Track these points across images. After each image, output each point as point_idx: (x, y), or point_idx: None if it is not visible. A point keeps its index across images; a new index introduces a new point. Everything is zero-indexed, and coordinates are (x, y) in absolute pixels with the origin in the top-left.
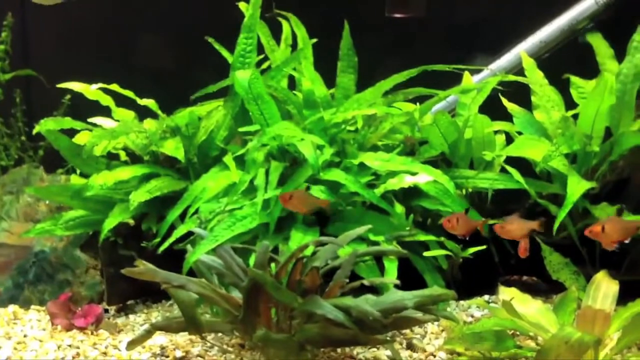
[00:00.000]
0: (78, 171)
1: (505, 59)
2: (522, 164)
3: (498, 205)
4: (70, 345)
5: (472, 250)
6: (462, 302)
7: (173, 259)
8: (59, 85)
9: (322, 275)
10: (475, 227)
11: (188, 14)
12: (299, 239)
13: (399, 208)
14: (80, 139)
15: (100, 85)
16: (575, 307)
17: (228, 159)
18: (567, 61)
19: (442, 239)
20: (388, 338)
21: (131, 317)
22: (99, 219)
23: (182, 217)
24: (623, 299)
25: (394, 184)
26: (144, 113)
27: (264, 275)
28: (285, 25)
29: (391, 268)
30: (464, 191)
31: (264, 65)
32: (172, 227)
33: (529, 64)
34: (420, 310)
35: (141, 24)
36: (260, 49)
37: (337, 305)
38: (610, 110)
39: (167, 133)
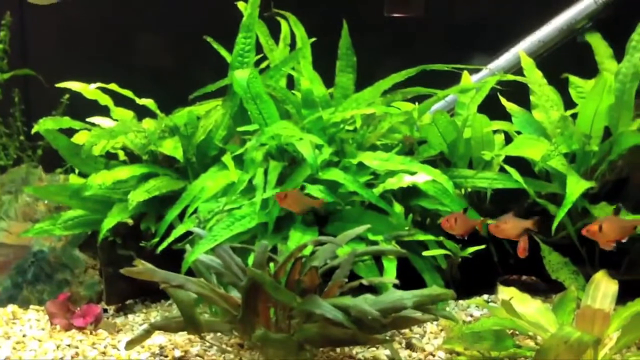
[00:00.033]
0: (77, 171)
1: (504, 59)
2: (521, 164)
3: (497, 204)
4: (69, 345)
5: (471, 249)
6: (461, 301)
7: (172, 259)
8: (57, 85)
9: (321, 275)
10: (474, 227)
11: (187, 13)
12: (297, 238)
13: (398, 207)
14: (79, 138)
15: (99, 84)
16: (575, 307)
17: (227, 158)
18: (566, 61)
19: (441, 238)
20: (387, 337)
21: (130, 316)
22: (98, 218)
23: (181, 216)
24: (622, 298)
25: (392, 183)
26: (142, 112)
27: (263, 275)
28: (283, 25)
29: (390, 268)
30: (462, 191)
31: (263, 65)
32: (171, 227)
33: (528, 64)
34: (420, 309)
35: (140, 24)
36: (259, 48)
37: (336, 304)
38: (609, 110)
39: (165, 133)
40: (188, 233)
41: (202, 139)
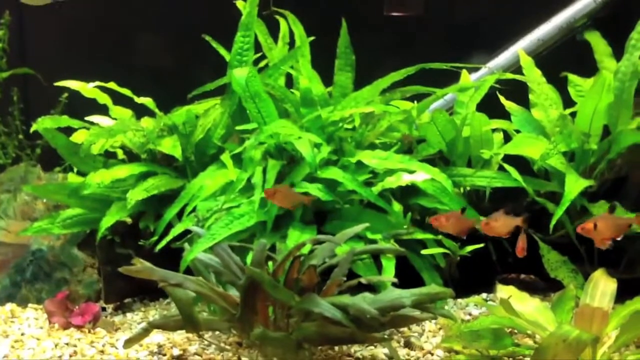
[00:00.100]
0: (75, 169)
1: (503, 57)
2: (520, 162)
3: (496, 203)
4: (67, 344)
5: (469, 248)
6: (459, 300)
7: (170, 258)
8: (56, 84)
9: (320, 274)
10: (470, 226)
11: (185, 12)
12: (296, 237)
13: (397, 206)
14: (77, 137)
15: (98, 83)
16: (573, 305)
17: (225, 157)
18: (565, 59)
19: (440, 237)
20: (385, 336)
21: (128, 315)
22: (97, 217)
23: (180, 215)
24: (621, 297)
25: (391, 182)
26: (141, 111)
27: (262, 274)
28: (282, 24)
29: (389, 266)
30: (461, 189)
31: (262, 64)
32: (170, 226)
33: (527, 62)
34: (418, 308)
35: (139, 23)
36: (257, 47)
37: (334, 303)
38: (608, 109)
39: (164, 131)
40: (187, 232)
41: (200, 138)
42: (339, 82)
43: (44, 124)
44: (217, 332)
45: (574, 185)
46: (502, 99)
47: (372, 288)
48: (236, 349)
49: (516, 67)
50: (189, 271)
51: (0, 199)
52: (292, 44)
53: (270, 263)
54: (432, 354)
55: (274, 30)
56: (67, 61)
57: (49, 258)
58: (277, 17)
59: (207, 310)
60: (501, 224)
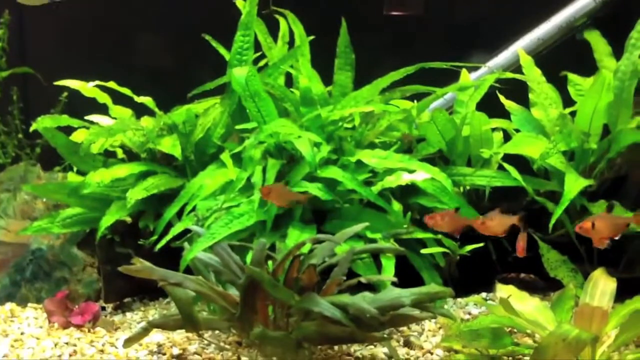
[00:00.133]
0: (75, 169)
1: (503, 57)
2: (520, 162)
3: (496, 202)
4: (67, 343)
5: (469, 247)
6: (459, 299)
7: (170, 257)
8: (56, 83)
9: (319, 273)
10: (464, 225)
11: (185, 11)
12: (296, 236)
13: (397, 205)
14: (77, 136)
15: (98, 82)
16: (573, 305)
17: (225, 156)
18: (564, 58)
19: (440, 236)
20: (385, 335)
21: (128, 314)
22: (96, 216)
23: (179, 214)
24: (621, 296)
25: (391, 181)
26: (141, 111)
27: (261, 273)
28: (282, 23)
29: (388, 265)
30: (461, 188)
31: (261, 63)
32: (169, 225)
33: (527, 62)
34: (418, 307)
35: (138, 22)
36: (257, 46)
37: (334, 302)
38: (608, 108)
39: (164, 131)
40: (186, 231)
41: (200, 137)
42: (339, 82)
43: (43, 123)
44: (216, 332)
45: (574, 184)
46: (501, 98)
47: (372, 287)
48: (236, 348)
49: (516, 67)
50: (188, 270)
51: (0, 198)
52: (291, 43)
53: (270, 262)
54: (431, 353)
55: (273, 30)
56: (67, 60)
57: (48, 257)
58: (277, 16)
59: (207, 309)
60: (497, 223)
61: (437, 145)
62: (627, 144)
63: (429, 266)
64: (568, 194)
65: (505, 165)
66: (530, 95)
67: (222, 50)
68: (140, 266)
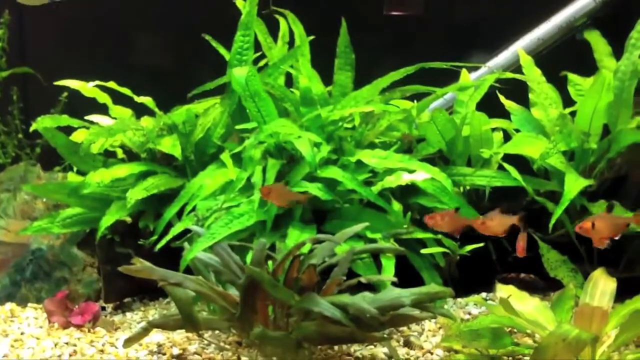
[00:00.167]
0: (75, 169)
1: (503, 57)
2: (520, 162)
3: (496, 202)
4: (67, 343)
5: (469, 247)
6: (459, 299)
7: (170, 257)
8: (56, 83)
9: (319, 273)
10: (464, 225)
11: (185, 11)
12: (296, 236)
13: (397, 205)
14: (77, 136)
15: (98, 82)
16: (573, 305)
17: (225, 156)
18: (564, 58)
19: (440, 236)
20: (385, 335)
21: (128, 314)
22: (96, 216)
23: (179, 214)
24: (621, 296)
25: (391, 181)
26: (141, 111)
27: (261, 273)
28: (282, 23)
29: (388, 265)
30: (461, 188)
31: (261, 63)
32: (169, 225)
33: (527, 62)
34: (418, 307)
35: (138, 22)
36: (257, 46)
37: (334, 302)
38: (608, 108)
39: (164, 131)
40: (186, 231)
41: (200, 137)
42: (339, 82)
43: (43, 123)
44: (216, 332)
45: (574, 184)
46: (501, 98)
47: (372, 287)
48: (236, 348)
49: (516, 66)
50: (188, 270)
51: (0, 198)
52: (291, 43)
53: (270, 262)
54: (431, 353)
55: (273, 30)
56: (67, 60)
57: (48, 257)
58: (277, 16)
59: (207, 309)
60: (497, 223)
61: (437, 145)
62: (627, 144)
63: (429, 266)
64: (568, 194)
65: (505, 165)
66: (530, 95)
67: (222, 50)
68: (140, 266)
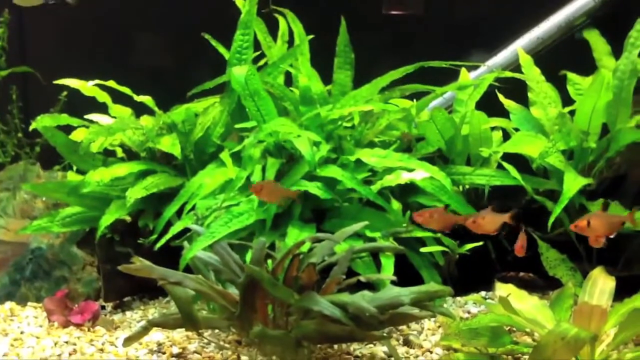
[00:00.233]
0: (75, 168)
1: (503, 56)
2: (519, 161)
3: (495, 201)
4: (67, 342)
5: (468, 246)
6: (458, 298)
7: (170, 256)
8: (55, 82)
9: (319, 272)
10: (453, 222)
11: (185, 10)
12: (295, 235)
13: (396, 204)
14: (77, 135)
15: (97, 82)
16: (572, 303)
17: (224, 155)
18: (564, 58)
19: (439, 235)
20: (384, 334)
21: (128, 313)
22: (96, 215)
23: (179, 213)
24: (620, 295)
25: (390, 180)
26: (140, 110)
27: (261, 272)
28: (281, 22)
29: (388, 264)
30: (460, 187)
31: (261, 62)
32: (169, 224)
33: (526, 61)
34: (417, 306)
35: (138, 21)
36: (256, 45)
37: (333, 301)
38: (607, 107)
39: (163, 130)
40: (186, 230)
41: (200, 136)
42: (338, 81)
43: (43, 122)
44: (216, 330)
45: (573, 183)
46: (501, 97)
47: (371, 286)
48: (235, 347)
49: (515, 66)
50: (188, 269)
51: (0, 197)
52: (291, 42)
53: (269, 261)
54: (431, 352)
55: (273, 29)
56: (67, 59)
57: (48, 256)
58: (276, 15)
59: (207, 308)
60: (488, 221)
61: (437, 144)
62: (626, 143)
63: (429, 265)
64: (567, 193)
65: (505, 164)
66: (530, 94)
67: (221, 49)
68: (139, 265)
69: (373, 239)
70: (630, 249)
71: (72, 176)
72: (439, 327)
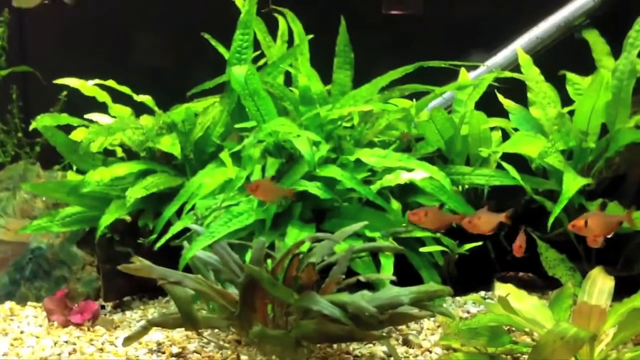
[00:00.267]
0: (74, 167)
1: (502, 56)
2: (518, 161)
3: (494, 201)
4: (66, 342)
5: (468, 246)
6: (458, 298)
7: (169, 256)
8: (55, 82)
9: (319, 272)
10: (448, 222)
11: (185, 10)
12: (295, 235)
13: (395, 204)
14: (76, 135)
15: (97, 81)
16: (571, 303)
17: (224, 155)
18: (563, 58)
19: (438, 235)
20: (384, 334)
21: (127, 313)
22: (96, 215)
23: (179, 213)
24: (619, 294)
25: (390, 180)
26: (140, 109)
27: (260, 272)
28: (281, 22)
29: (387, 264)
30: (460, 187)
31: (261, 62)
32: (169, 224)
33: (525, 61)
34: (416, 306)
35: (138, 21)
36: (256, 45)
37: (333, 301)
38: (606, 107)
39: (163, 129)
40: (186, 230)
41: (199, 136)
42: (338, 80)
43: (43, 121)
44: (216, 330)
45: (572, 183)
46: (500, 97)
47: (371, 286)
48: (235, 346)
49: (515, 66)
50: (188, 269)
51: (0, 197)
52: (290, 42)
53: (269, 261)
54: (430, 352)
55: (272, 29)
56: (67, 59)
57: (48, 256)
58: (276, 15)
59: (206, 308)
60: (484, 221)
61: (436, 144)
62: (626, 143)
63: (428, 265)
64: (566, 193)
65: (504, 164)
66: (529, 94)
67: (221, 49)
68: (139, 265)
69: (372, 239)
70: (630, 248)
71: (72, 176)
72: (439, 326)
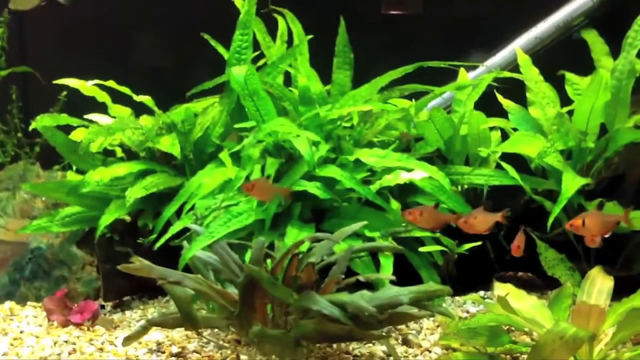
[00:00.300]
0: (74, 168)
1: (501, 56)
2: (518, 161)
3: (493, 201)
4: (66, 341)
5: (467, 246)
6: (457, 297)
7: (169, 256)
8: (55, 82)
9: (318, 271)
10: (444, 221)
11: (185, 11)
12: (294, 235)
13: (395, 204)
14: (76, 135)
15: (97, 81)
16: (571, 303)
17: (224, 155)
18: (562, 58)
19: (438, 235)
20: (383, 334)
21: (127, 313)
22: (95, 215)
23: (178, 213)
24: (618, 294)
25: (389, 180)
26: (140, 109)
27: (260, 271)
28: (281, 22)
29: (387, 264)
30: (459, 187)
31: (260, 62)
32: (168, 224)
33: (524, 61)
34: (416, 306)
35: (138, 21)
36: (256, 45)
37: (332, 301)
38: (605, 107)
39: (163, 129)
40: (185, 230)
41: (199, 136)
42: (337, 80)
43: (42, 122)
44: (215, 330)
45: (571, 183)
46: (499, 97)
47: (370, 286)
48: (235, 346)
49: (514, 66)
50: (187, 269)
51: (0, 197)
52: (290, 42)
53: (268, 261)
54: (429, 352)
55: (272, 29)
56: (67, 59)
57: (47, 256)
58: (276, 15)
59: (206, 307)
60: (480, 220)
61: (435, 144)
62: (625, 143)
63: (427, 264)
64: (565, 193)
65: (503, 164)
66: (528, 94)
67: (221, 49)
68: (139, 265)
69: (372, 239)
70: (629, 248)
71: (71, 176)
72: (438, 326)
